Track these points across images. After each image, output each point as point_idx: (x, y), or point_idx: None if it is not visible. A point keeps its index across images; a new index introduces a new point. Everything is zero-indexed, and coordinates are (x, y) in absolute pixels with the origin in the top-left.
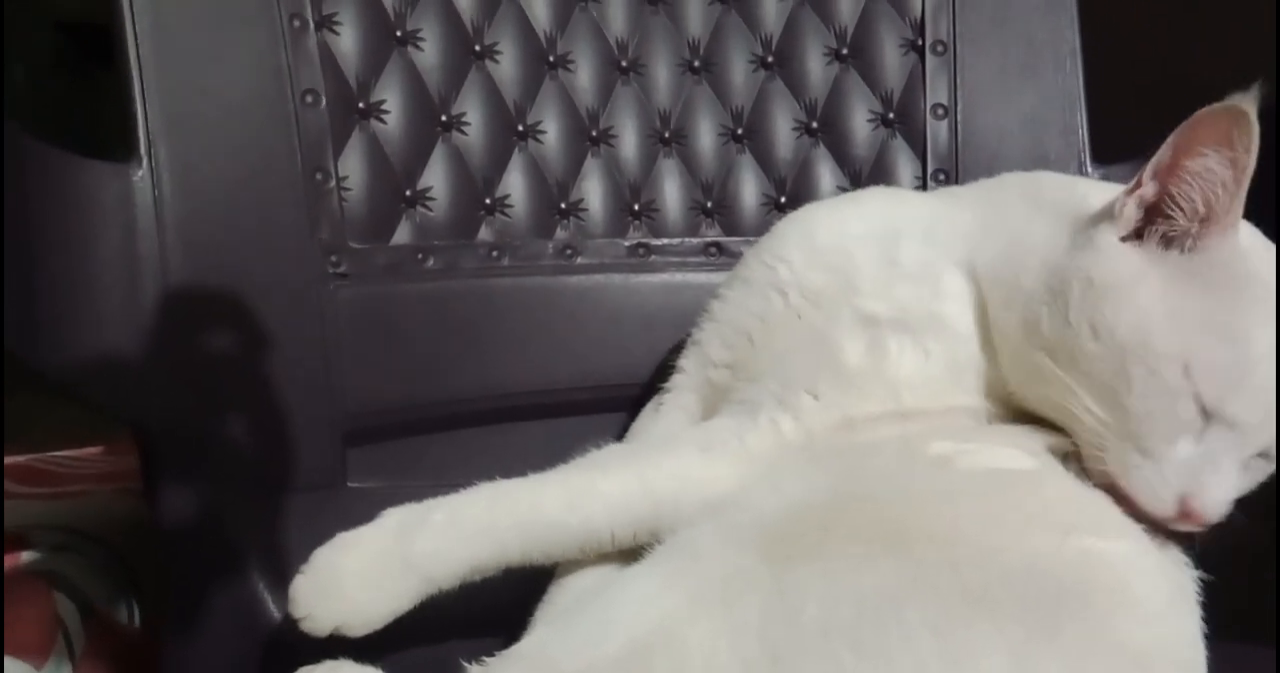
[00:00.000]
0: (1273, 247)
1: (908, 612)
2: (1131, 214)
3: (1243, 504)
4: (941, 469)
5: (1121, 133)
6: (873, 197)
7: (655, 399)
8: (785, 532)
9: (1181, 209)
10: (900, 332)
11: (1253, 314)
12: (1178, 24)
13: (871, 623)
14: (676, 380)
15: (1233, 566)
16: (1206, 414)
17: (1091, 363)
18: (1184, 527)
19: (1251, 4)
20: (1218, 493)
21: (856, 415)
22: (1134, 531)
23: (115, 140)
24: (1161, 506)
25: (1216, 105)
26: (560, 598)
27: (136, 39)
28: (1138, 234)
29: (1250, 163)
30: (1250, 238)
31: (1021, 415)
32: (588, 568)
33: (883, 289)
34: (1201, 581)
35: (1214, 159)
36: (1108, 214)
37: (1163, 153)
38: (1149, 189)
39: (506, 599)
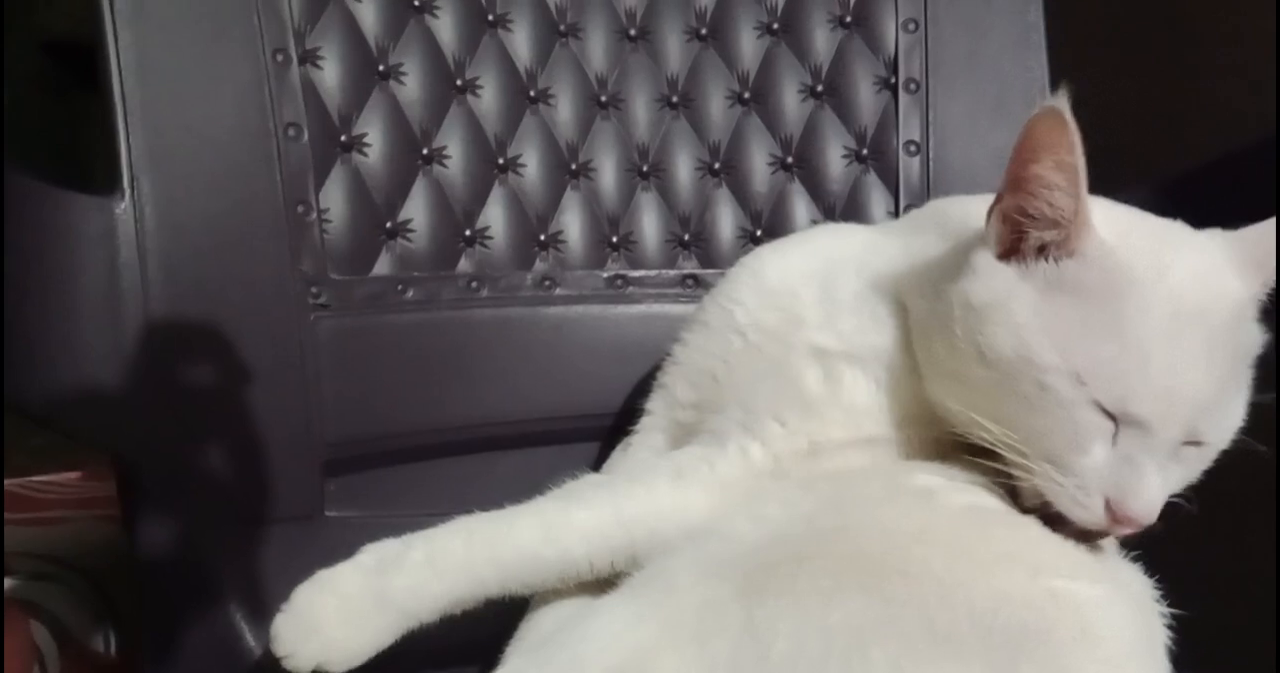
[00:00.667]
0: (1155, 228)
1: (873, 651)
2: (996, 230)
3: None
4: (921, 503)
5: (1093, 172)
6: (817, 235)
7: (624, 442)
8: (761, 563)
9: (1035, 219)
10: (850, 363)
11: (1132, 309)
12: (1148, 63)
13: (838, 661)
14: (644, 422)
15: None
16: (1112, 417)
17: (986, 386)
18: (1121, 532)
19: (1221, 42)
20: (1145, 494)
21: (822, 441)
22: (1107, 573)
23: (97, 163)
24: (1091, 516)
25: (1038, 111)
26: (536, 628)
27: (120, 72)
28: (1014, 250)
29: (1077, 161)
30: (1122, 231)
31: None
32: (564, 597)
33: (828, 324)
34: (1174, 616)
35: (1043, 166)
36: (985, 235)
37: (1009, 163)
38: (1005, 203)
39: (485, 630)
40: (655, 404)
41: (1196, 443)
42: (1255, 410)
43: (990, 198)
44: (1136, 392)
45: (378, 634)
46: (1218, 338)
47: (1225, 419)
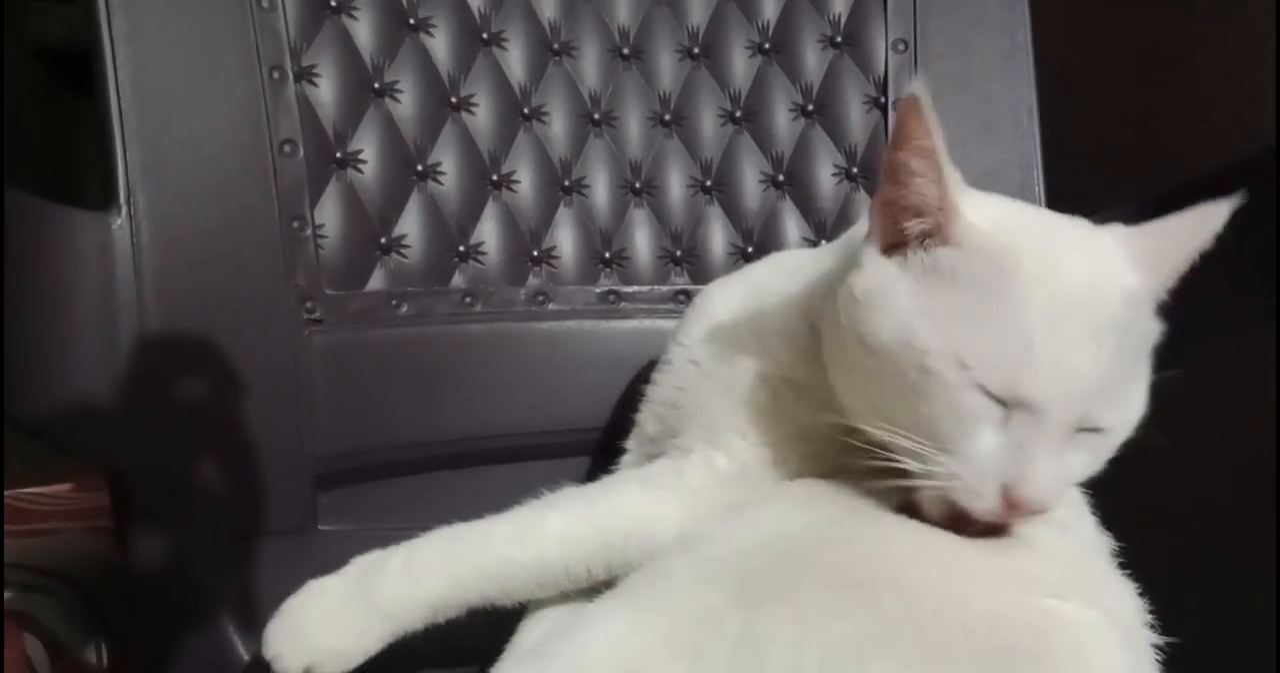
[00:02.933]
0: (1043, 219)
1: (870, 666)
2: (876, 223)
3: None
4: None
5: (1080, 191)
6: (758, 267)
7: (603, 481)
8: (759, 570)
9: (906, 209)
10: (788, 383)
11: (1013, 295)
12: (1134, 84)
13: None
14: (622, 460)
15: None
16: (1001, 402)
17: (872, 376)
18: (1016, 519)
19: (1210, 60)
20: (1037, 477)
21: (789, 453)
22: (1098, 595)
23: (91, 171)
24: (986, 504)
25: (900, 98)
26: (530, 633)
27: (118, 89)
28: (897, 244)
29: (933, 144)
30: (1003, 220)
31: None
32: (557, 604)
33: (763, 352)
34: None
35: (906, 153)
36: (870, 231)
37: (884, 155)
38: (880, 195)
39: (481, 637)
40: (631, 443)
41: (1093, 429)
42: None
43: None
44: (1022, 375)
45: (363, 639)
46: (1106, 326)
47: (1121, 405)
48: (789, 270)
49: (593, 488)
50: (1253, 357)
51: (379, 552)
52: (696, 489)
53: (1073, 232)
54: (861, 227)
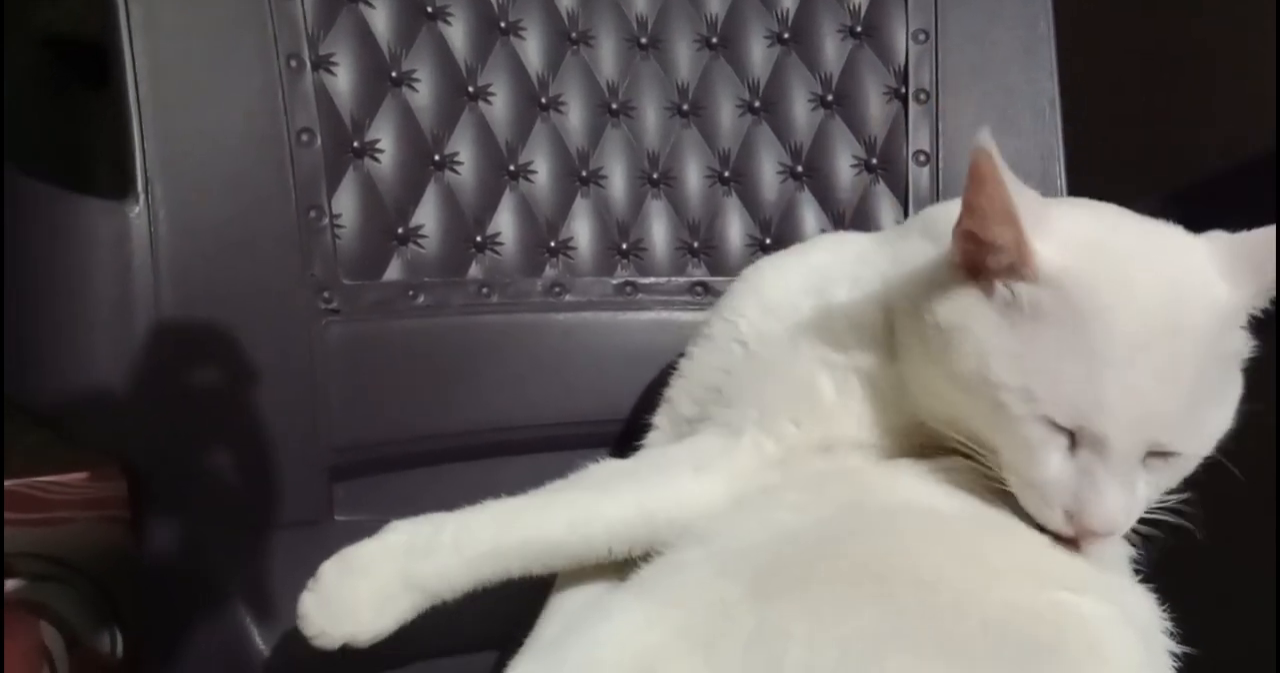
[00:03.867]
0: (1129, 239)
1: (888, 661)
2: (959, 250)
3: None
4: (930, 510)
5: (1102, 183)
6: (815, 247)
7: (632, 458)
8: (773, 563)
9: (986, 244)
10: (857, 372)
11: (1092, 331)
12: (1157, 74)
13: (853, 670)
14: (650, 438)
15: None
16: (1069, 434)
17: (953, 400)
18: (1088, 541)
19: (1230, 56)
20: (1102, 507)
21: (836, 438)
22: (1115, 592)
23: (100, 161)
24: (1055, 526)
25: (974, 148)
26: (550, 623)
27: (135, 78)
28: (979, 269)
29: (1008, 197)
30: (1088, 248)
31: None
32: (580, 587)
33: (828, 337)
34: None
35: (982, 198)
36: (950, 250)
37: (964, 194)
38: (963, 224)
39: (507, 604)
40: (660, 419)
41: (1166, 454)
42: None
43: None
44: (1090, 410)
45: (403, 613)
46: (1190, 350)
47: (1198, 429)
48: (855, 256)
49: (644, 471)
50: (1252, 357)
51: (421, 523)
52: (744, 474)
53: (1160, 246)
54: (922, 216)
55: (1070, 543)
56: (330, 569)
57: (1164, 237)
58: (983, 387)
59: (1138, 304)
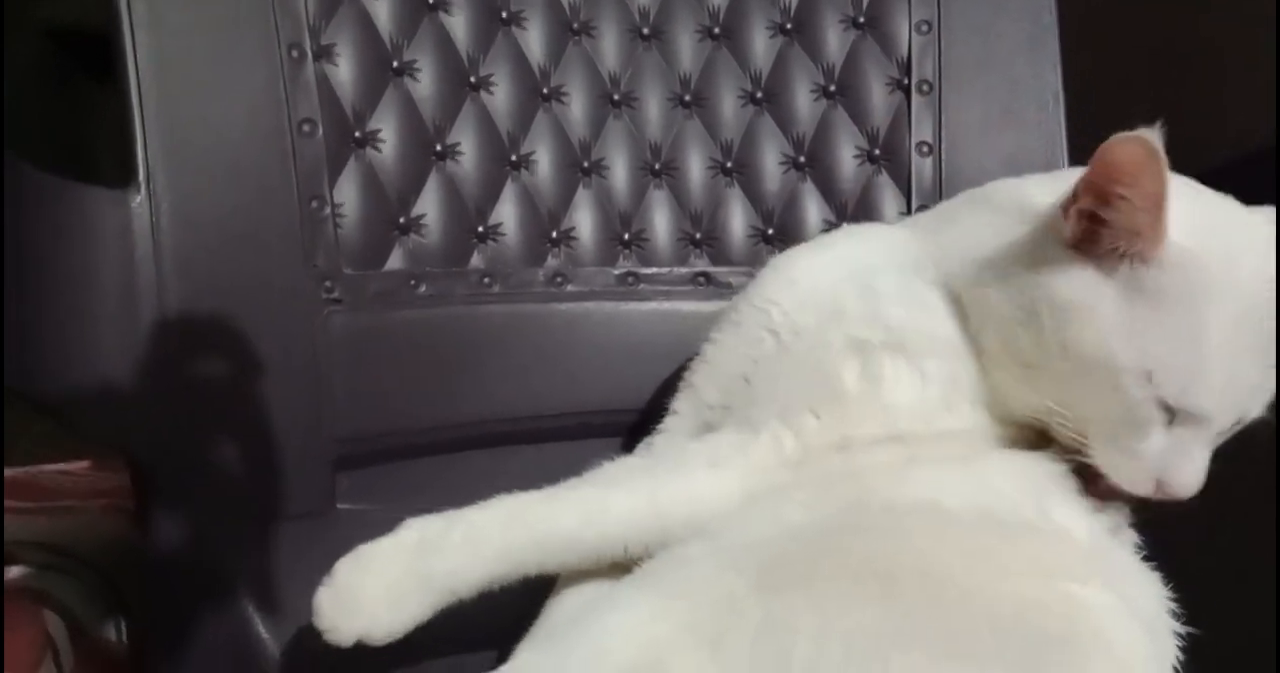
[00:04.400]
0: (1225, 219)
1: (894, 656)
2: (1073, 226)
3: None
4: (933, 506)
5: None
6: (845, 238)
7: (646, 440)
8: (779, 557)
9: (1111, 227)
10: (895, 355)
11: (1209, 315)
12: (1161, 66)
13: (859, 666)
14: (669, 423)
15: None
16: (1171, 410)
17: (1065, 378)
18: (1163, 500)
19: (1234, 47)
20: (1190, 475)
21: (855, 436)
22: (1118, 580)
23: (103, 153)
24: (1142, 489)
25: (1128, 137)
26: (555, 614)
27: (138, 68)
28: (1088, 242)
29: (1162, 190)
30: (1198, 231)
31: (1013, 430)
32: (586, 582)
33: (871, 317)
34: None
35: (1129, 190)
36: (1057, 225)
37: (1089, 171)
38: (1084, 204)
39: (504, 616)
40: (682, 404)
41: (1225, 431)
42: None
43: (1034, 178)
44: (1198, 391)
45: (418, 611)
46: (1270, 325)
47: (1267, 398)
48: (893, 244)
49: (658, 466)
50: None
51: (435, 520)
52: (760, 470)
53: (1249, 228)
54: (972, 197)
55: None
56: (344, 565)
57: (1245, 216)
58: (1104, 368)
59: (1244, 290)
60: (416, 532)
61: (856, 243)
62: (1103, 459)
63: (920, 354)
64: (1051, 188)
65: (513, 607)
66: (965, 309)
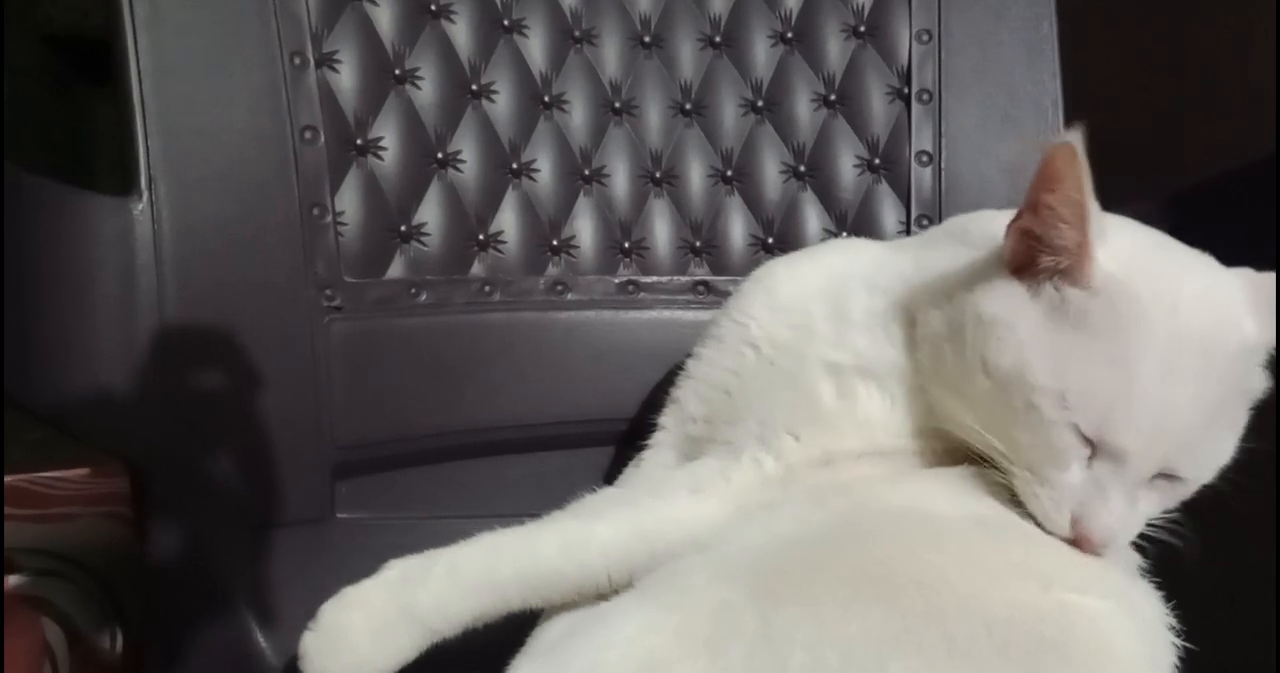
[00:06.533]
0: (1174, 261)
1: (892, 665)
2: (1011, 248)
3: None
4: (928, 514)
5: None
6: (829, 250)
7: (635, 457)
8: (774, 568)
9: (1044, 243)
10: (865, 378)
11: (1133, 345)
12: (1160, 76)
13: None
14: (656, 437)
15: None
16: (1090, 443)
17: (982, 395)
18: (1084, 549)
19: (1232, 55)
20: (1104, 519)
21: (836, 452)
22: (1116, 588)
23: (101, 159)
24: (1059, 530)
25: (1054, 142)
26: (550, 629)
27: (140, 74)
28: (1028, 268)
29: (1084, 199)
30: (1136, 262)
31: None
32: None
33: (840, 340)
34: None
35: (1054, 197)
36: (1000, 249)
37: (1030, 186)
38: (1022, 222)
39: (496, 633)
40: (667, 419)
41: (1172, 477)
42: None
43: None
44: (1116, 424)
45: (403, 649)
46: (1216, 377)
47: (1208, 457)
48: (871, 260)
49: (639, 494)
50: None
51: (417, 558)
52: (742, 493)
53: (1202, 275)
54: (952, 224)
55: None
56: (329, 607)
57: (1205, 265)
58: (1018, 385)
59: (1178, 325)
60: (399, 570)
61: (837, 259)
62: (1021, 488)
63: (886, 379)
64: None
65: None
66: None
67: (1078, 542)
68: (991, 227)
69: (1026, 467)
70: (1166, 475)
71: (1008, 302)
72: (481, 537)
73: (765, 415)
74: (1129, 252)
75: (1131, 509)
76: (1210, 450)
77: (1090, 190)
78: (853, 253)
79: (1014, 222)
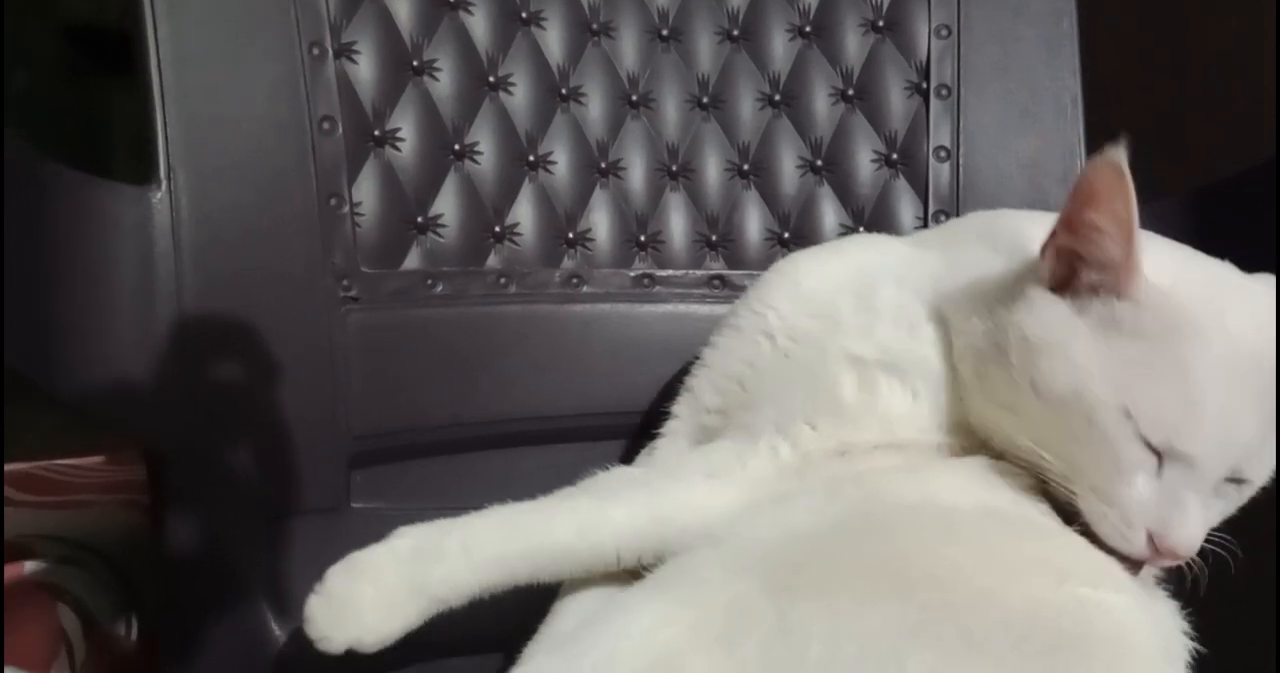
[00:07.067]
0: (1208, 271)
1: (909, 659)
2: (1050, 266)
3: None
4: (943, 507)
5: None
6: (853, 245)
7: (648, 445)
8: (788, 561)
9: (1086, 261)
10: (888, 372)
11: (1189, 352)
12: (1180, 75)
13: (875, 665)
14: (669, 426)
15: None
16: (1158, 453)
17: (1037, 416)
18: (1163, 564)
19: (1251, 56)
20: (1185, 528)
21: (853, 443)
22: (1130, 583)
23: (118, 148)
24: (1134, 548)
25: (1097, 159)
26: (563, 619)
27: (159, 64)
28: (1067, 282)
29: (1130, 214)
30: (1174, 274)
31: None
32: (591, 587)
33: (865, 333)
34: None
35: (1098, 214)
36: (1037, 266)
37: (1065, 205)
38: (1059, 241)
39: (509, 609)
40: (681, 408)
41: (1239, 480)
42: None
43: (1039, 217)
44: (1185, 431)
45: (409, 618)
46: (1267, 377)
47: (1270, 458)
48: (898, 256)
49: (655, 477)
50: None
51: (428, 529)
52: (758, 481)
53: (1237, 284)
54: (975, 223)
55: (1133, 565)
56: (337, 574)
57: (1232, 272)
58: (1076, 403)
59: (1230, 331)
60: (411, 540)
61: (862, 252)
62: (1087, 508)
63: (911, 375)
64: (1048, 228)
65: (516, 609)
66: (951, 336)
67: (1161, 556)
68: (1015, 230)
69: (1090, 487)
70: (1232, 479)
71: (1053, 320)
72: (494, 511)
73: (783, 403)
74: (1172, 266)
75: (1206, 515)
76: (1271, 451)
77: (1135, 206)
78: (879, 248)
79: (1050, 240)
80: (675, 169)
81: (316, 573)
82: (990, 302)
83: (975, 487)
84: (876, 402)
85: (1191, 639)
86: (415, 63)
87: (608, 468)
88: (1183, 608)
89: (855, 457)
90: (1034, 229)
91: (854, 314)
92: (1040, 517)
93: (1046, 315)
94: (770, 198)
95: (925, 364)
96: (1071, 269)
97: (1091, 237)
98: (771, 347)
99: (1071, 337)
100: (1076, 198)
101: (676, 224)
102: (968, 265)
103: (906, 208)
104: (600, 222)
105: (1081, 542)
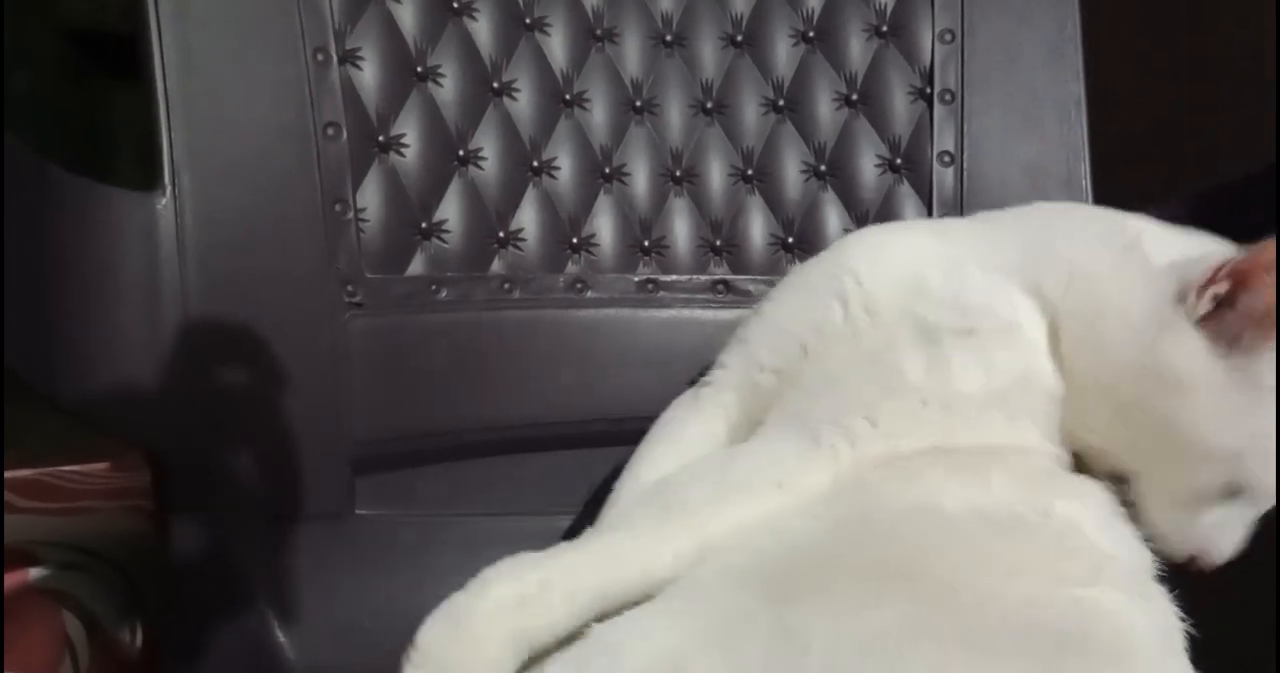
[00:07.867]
0: None
1: (911, 657)
2: (1204, 307)
3: None
4: (936, 512)
5: (1126, 187)
6: (925, 224)
7: (693, 390)
8: (787, 569)
9: (1243, 314)
10: (964, 345)
11: None
12: (1184, 79)
13: (875, 665)
14: (717, 376)
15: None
16: (1238, 489)
17: (1155, 441)
18: (1192, 565)
19: (1257, 58)
20: (1229, 548)
21: (904, 448)
22: (1126, 581)
23: (121, 154)
24: (1180, 554)
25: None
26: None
27: (164, 70)
28: (1211, 319)
29: None
30: None
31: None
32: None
33: (951, 298)
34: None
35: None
36: (1182, 296)
37: (1241, 259)
38: (1222, 288)
39: None
40: (732, 358)
41: None
42: None
43: (1156, 230)
44: (1272, 473)
45: (508, 669)
46: None
47: None
48: (979, 237)
49: (728, 489)
50: None
51: (522, 570)
52: (817, 485)
53: None
54: (1043, 212)
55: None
56: (435, 637)
57: None
58: (1195, 445)
59: None
60: (509, 587)
61: (937, 231)
62: (1155, 519)
63: (991, 344)
64: (1166, 241)
65: None
66: (1058, 324)
67: (1192, 564)
68: (1126, 231)
69: (1165, 505)
70: None
71: (1194, 358)
72: (586, 547)
73: (842, 393)
74: None
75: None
76: None
77: None
78: (960, 229)
79: (1209, 284)
80: (679, 174)
81: (321, 579)
82: (1124, 311)
83: (970, 487)
84: (946, 382)
85: (1189, 633)
86: (419, 68)
87: (635, 474)
88: (1179, 601)
89: (897, 466)
90: (1148, 238)
91: (943, 280)
92: (1037, 518)
93: (1190, 353)
94: (774, 203)
95: (1017, 332)
96: (1220, 312)
97: (1259, 298)
98: (844, 316)
99: (1207, 379)
100: (1257, 263)
101: (680, 230)
102: (1065, 254)
103: (910, 213)
104: (604, 227)
105: (1077, 541)
